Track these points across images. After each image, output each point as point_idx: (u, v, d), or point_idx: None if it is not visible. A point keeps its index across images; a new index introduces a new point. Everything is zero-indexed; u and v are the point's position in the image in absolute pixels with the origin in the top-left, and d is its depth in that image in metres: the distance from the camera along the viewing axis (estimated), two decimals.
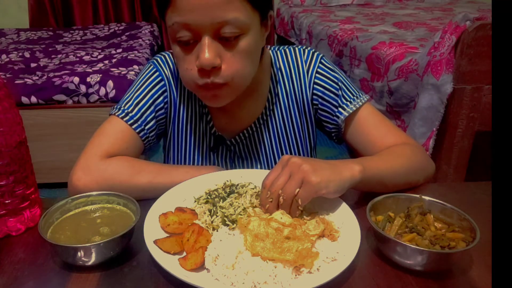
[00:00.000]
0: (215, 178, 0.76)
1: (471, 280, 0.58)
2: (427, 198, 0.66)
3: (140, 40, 2.83)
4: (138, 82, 0.85)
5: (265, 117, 0.88)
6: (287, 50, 0.88)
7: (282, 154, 0.90)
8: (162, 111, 0.86)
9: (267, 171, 0.80)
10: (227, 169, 0.89)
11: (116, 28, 3.18)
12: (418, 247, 0.57)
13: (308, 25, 2.73)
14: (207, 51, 0.68)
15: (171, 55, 0.88)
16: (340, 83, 0.86)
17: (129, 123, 0.81)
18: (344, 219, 0.66)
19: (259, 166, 0.92)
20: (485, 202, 0.74)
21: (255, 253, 0.57)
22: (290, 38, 3.11)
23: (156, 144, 0.90)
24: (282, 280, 0.54)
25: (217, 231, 0.63)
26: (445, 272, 0.59)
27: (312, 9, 3.14)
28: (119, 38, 2.95)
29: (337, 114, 0.86)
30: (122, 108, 0.82)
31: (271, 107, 0.88)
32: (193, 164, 0.91)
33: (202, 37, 0.68)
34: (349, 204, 0.69)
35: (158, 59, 0.88)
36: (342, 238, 0.63)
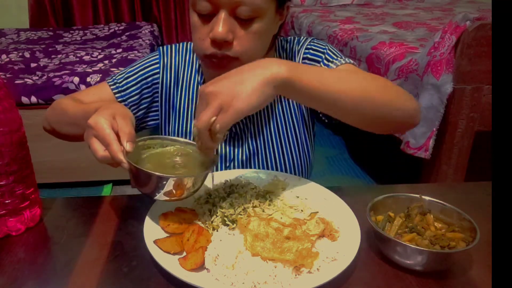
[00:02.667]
0: (216, 177, 0.76)
1: (471, 280, 0.58)
2: (427, 198, 0.66)
3: (140, 40, 2.83)
4: (138, 61, 0.93)
5: None
6: (288, 38, 0.94)
7: (280, 135, 0.90)
8: (149, 90, 0.91)
9: (268, 172, 0.80)
10: (226, 152, 0.90)
11: (116, 28, 3.18)
12: (418, 247, 0.57)
13: (308, 25, 2.73)
14: (222, 25, 0.71)
15: (179, 45, 0.93)
16: (325, 50, 0.86)
17: (114, 91, 0.88)
18: (344, 219, 0.66)
19: (257, 146, 0.92)
20: (485, 202, 0.75)
21: (255, 253, 0.57)
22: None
23: (146, 123, 0.94)
24: (282, 280, 0.54)
25: (217, 231, 0.63)
26: (445, 272, 0.59)
27: (312, 9, 3.14)
28: (119, 38, 2.95)
29: None
30: (113, 78, 0.90)
31: None
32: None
33: (219, 11, 0.72)
34: (349, 204, 0.69)
35: (164, 47, 0.93)
36: (342, 238, 0.63)
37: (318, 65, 0.85)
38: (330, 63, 0.83)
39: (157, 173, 0.59)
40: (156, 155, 0.69)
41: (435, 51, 1.44)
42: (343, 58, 0.85)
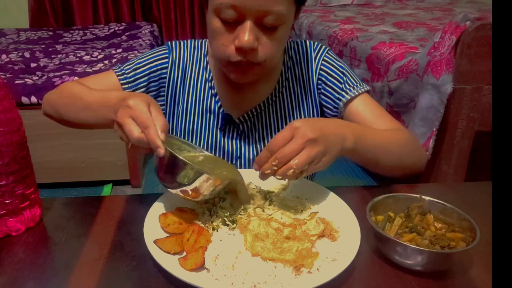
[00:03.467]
0: None
1: (471, 280, 0.58)
2: (427, 198, 0.66)
3: (140, 40, 2.83)
4: (146, 53, 0.93)
5: (274, 98, 0.91)
6: (298, 41, 0.95)
7: None
8: (155, 83, 0.91)
9: None
10: (233, 150, 0.91)
11: (116, 28, 3.18)
12: (418, 247, 0.57)
13: (308, 25, 2.73)
14: (248, 34, 0.72)
15: (187, 42, 0.94)
16: (345, 71, 0.91)
17: (121, 82, 0.88)
18: (344, 219, 0.66)
19: (264, 146, 0.92)
20: (485, 202, 0.75)
21: (255, 253, 0.57)
22: (290, 38, 3.11)
23: None
24: (282, 280, 0.54)
25: (217, 231, 0.63)
26: (445, 272, 0.59)
27: (312, 9, 3.14)
28: (119, 38, 2.95)
29: (340, 97, 0.90)
30: (121, 68, 0.90)
31: (280, 90, 0.92)
32: (200, 143, 0.92)
33: (245, 20, 0.72)
34: (349, 204, 0.69)
35: (174, 42, 0.94)
36: (342, 238, 0.63)
37: (341, 85, 0.90)
38: (351, 88, 0.90)
39: (196, 167, 0.60)
40: (187, 157, 0.68)
41: (435, 51, 1.44)
42: (361, 85, 0.91)
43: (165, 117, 0.93)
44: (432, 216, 0.64)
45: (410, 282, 0.57)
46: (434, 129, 1.46)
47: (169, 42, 0.93)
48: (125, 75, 0.88)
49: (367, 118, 0.87)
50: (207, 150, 0.91)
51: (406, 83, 1.60)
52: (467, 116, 1.45)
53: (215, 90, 0.91)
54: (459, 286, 0.57)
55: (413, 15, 2.78)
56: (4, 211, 0.65)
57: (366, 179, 2.25)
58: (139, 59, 0.91)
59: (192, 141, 0.93)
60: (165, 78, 0.91)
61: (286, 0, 0.72)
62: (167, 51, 0.91)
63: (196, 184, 0.61)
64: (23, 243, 0.65)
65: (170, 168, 0.62)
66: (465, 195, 0.80)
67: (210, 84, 0.91)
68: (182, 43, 0.94)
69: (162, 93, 0.92)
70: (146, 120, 0.61)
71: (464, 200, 0.76)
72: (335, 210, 0.68)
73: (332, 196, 0.72)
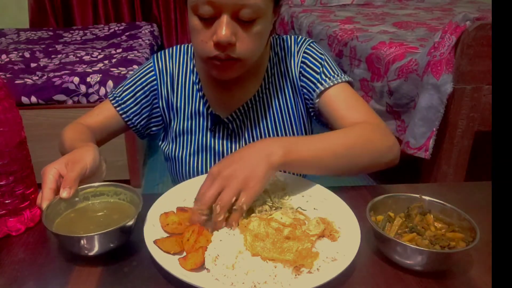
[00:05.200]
0: None
1: (471, 280, 0.58)
2: (427, 198, 0.66)
3: (140, 40, 2.83)
4: (134, 72, 0.96)
5: (260, 95, 0.92)
6: (284, 37, 0.95)
7: (277, 132, 0.92)
8: (148, 98, 0.94)
9: None
10: (223, 149, 0.91)
11: (116, 28, 3.18)
12: (418, 247, 0.57)
13: (308, 25, 2.73)
14: (225, 28, 0.72)
15: (171, 49, 0.95)
16: (323, 62, 0.89)
17: (114, 105, 0.92)
18: (344, 219, 0.66)
19: (253, 142, 0.92)
20: (485, 202, 0.74)
21: (255, 253, 0.57)
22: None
23: (150, 129, 0.98)
24: (282, 280, 0.54)
25: (217, 230, 0.63)
26: (445, 272, 0.59)
27: (312, 9, 3.14)
28: (119, 38, 2.95)
29: (315, 88, 0.88)
30: (113, 93, 0.94)
31: (266, 86, 0.92)
32: (191, 146, 0.93)
33: (222, 14, 0.72)
34: (349, 204, 0.69)
35: (158, 54, 0.95)
36: (342, 238, 0.63)
37: (317, 76, 0.88)
38: (327, 79, 0.87)
39: (60, 232, 0.59)
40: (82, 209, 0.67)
41: (435, 51, 1.44)
42: (339, 75, 0.88)
43: (165, 125, 0.97)
44: (432, 216, 0.64)
45: (410, 282, 0.57)
46: (434, 129, 1.46)
47: (154, 55, 0.95)
48: (116, 99, 0.92)
49: (338, 108, 0.85)
50: (199, 151, 0.92)
51: (406, 83, 1.61)
52: (467, 116, 1.45)
53: (202, 92, 0.92)
54: (459, 286, 0.57)
55: (413, 15, 2.78)
56: (4, 211, 0.65)
57: (366, 179, 2.26)
58: (127, 80, 0.94)
59: (184, 144, 0.94)
60: (155, 90, 0.93)
61: None
62: (151, 64, 0.94)
63: (86, 245, 0.58)
64: (23, 243, 0.65)
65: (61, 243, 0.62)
66: (465, 195, 0.80)
67: (197, 87, 0.92)
68: (167, 51, 0.95)
69: (156, 105, 0.95)
70: (42, 186, 0.64)
71: (464, 200, 0.76)
72: (335, 210, 0.68)
73: (332, 196, 0.72)
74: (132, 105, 0.93)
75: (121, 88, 0.93)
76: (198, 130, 0.93)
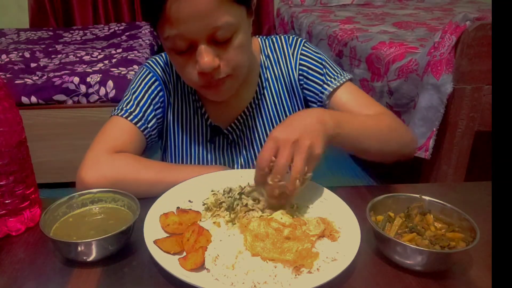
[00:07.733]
0: (216, 178, 0.76)
1: (471, 280, 0.58)
2: (427, 198, 0.66)
3: (140, 40, 2.83)
4: (134, 84, 0.89)
5: (256, 101, 0.91)
6: (273, 38, 0.94)
7: None
8: (160, 110, 0.89)
9: None
10: (224, 160, 0.92)
11: (116, 28, 3.18)
12: (418, 247, 0.57)
13: (308, 25, 2.73)
14: (205, 56, 0.71)
15: (162, 57, 0.92)
16: (324, 63, 0.90)
17: (133, 121, 0.83)
18: (344, 219, 0.66)
19: (254, 151, 0.93)
20: (485, 202, 0.74)
21: (255, 253, 0.57)
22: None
23: (156, 142, 0.92)
24: (282, 280, 0.54)
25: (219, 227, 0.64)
26: (445, 272, 0.59)
27: (312, 9, 3.14)
28: (119, 38, 2.94)
29: (322, 90, 0.89)
30: (124, 109, 0.84)
31: (261, 91, 0.92)
32: (191, 158, 0.92)
33: (198, 44, 0.71)
34: (349, 204, 0.69)
35: (150, 62, 0.92)
36: (342, 238, 0.63)
37: (322, 77, 0.89)
38: (332, 79, 0.88)
39: (57, 238, 0.59)
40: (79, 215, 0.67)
41: (435, 51, 1.44)
42: (342, 74, 0.89)
43: (163, 134, 0.93)
44: (432, 216, 0.64)
45: (410, 282, 0.57)
46: (434, 129, 1.46)
47: (145, 64, 0.91)
48: (133, 114, 0.84)
49: (352, 108, 0.86)
50: (198, 163, 0.91)
51: (406, 83, 1.60)
52: (467, 116, 1.44)
53: (200, 103, 0.91)
54: (459, 286, 0.57)
55: (413, 15, 2.78)
56: (4, 211, 0.65)
57: (366, 179, 2.25)
58: (134, 93, 0.87)
59: (184, 157, 0.92)
60: (163, 97, 0.89)
61: (229, 8, 0.70)
62: (152, 74, 0.89)
63: (79, 249, 0.58)
64: (23, 243, 0.65)
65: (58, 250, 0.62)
66: (465, 195, 0.80)
67: (194, 98, 0.91)
68: (159, 60, 0.91)
69: (160, 114, 0.90)
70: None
71: (464, 200, 0.76)
72: (335, 210, 0.68)
73: (332, 196, 0.72)
74: (150, 116, 0.86)
75: (132, 102, 0.85)
76: (198, 142, 0.92)
